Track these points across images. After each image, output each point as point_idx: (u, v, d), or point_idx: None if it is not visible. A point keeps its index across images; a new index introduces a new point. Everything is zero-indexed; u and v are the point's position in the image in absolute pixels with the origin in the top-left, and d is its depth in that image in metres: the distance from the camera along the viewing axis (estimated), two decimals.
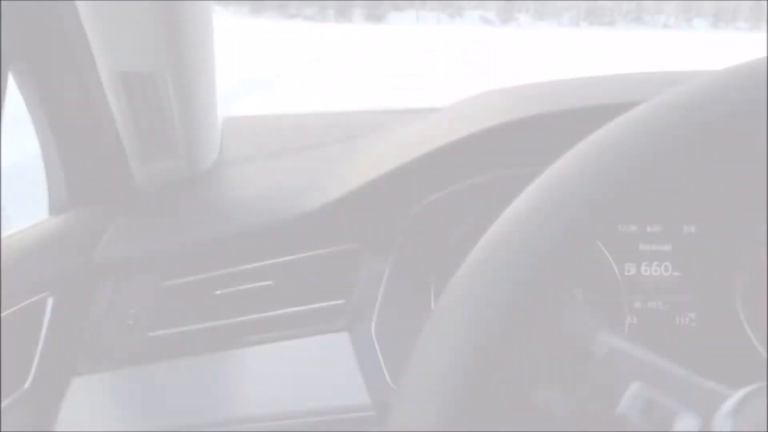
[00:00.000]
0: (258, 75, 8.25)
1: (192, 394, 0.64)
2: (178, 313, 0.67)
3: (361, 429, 0.65)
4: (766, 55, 0.31)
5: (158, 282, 0.68)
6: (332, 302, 0.67)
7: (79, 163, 0.74)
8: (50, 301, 0.65)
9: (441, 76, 8.99)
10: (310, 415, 0.64)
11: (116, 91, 0.66)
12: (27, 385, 0.62)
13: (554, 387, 0.33)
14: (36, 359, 0.64)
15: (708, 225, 0.68)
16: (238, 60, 8.56)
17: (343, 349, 0.66)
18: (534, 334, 0.30)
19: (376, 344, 0.65)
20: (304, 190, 0.70)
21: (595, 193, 0.29)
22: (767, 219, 0.67)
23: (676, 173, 0.30)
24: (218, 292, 0.67)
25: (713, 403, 0.30)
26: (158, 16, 0.60)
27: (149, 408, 0.64)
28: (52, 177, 0.75)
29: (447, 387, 0.28)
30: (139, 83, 0.66)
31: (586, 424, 0.33)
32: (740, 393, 0.30)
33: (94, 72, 0.66)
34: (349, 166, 0.71)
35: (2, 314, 0.59)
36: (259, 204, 0.71)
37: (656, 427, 0.31)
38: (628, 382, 0.32)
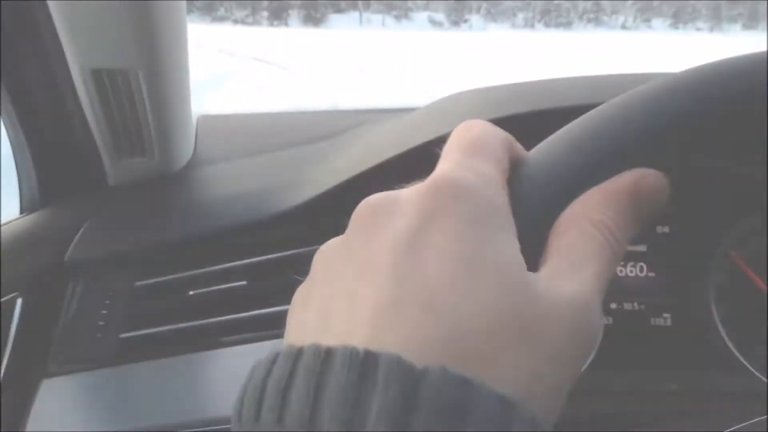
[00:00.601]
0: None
1: (165, 396, 0.63)
2: (151, 313, 0.66)
3: None
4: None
5: (131, 282, 0.67)
6: None
7: (50, 161, 0.73)
8: (20, 302, 0.64)
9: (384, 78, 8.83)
10: None
11: (87, 89, 0.65)
12: None
13: None
14: (5, 361, 0.63)
15: (681, 225, 0.68)
16: None
17: None
18: None
19: None
20: (279, 189, 0.69)
21: None
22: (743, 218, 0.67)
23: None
24: (192, 292, 0.66)
25: None
26: (130, 11, 0.59)
27: (121, 410, 0.63)
28: (23, 175, 0.73)
29: None
30: (111, 80, 0.65)
31: None
32: None
33: (65, 69, 0.65)
34: (324, 165, 0.71)
35: None
36: (233, 203, 0.70)
37: None
38: None
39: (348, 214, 0.75)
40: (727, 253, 0.67)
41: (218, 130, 0.84)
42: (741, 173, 0.66)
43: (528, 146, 0.36)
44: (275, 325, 0.66)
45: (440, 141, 0.61)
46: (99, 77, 0.64)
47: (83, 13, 0.59)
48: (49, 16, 0.60)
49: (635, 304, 0.68)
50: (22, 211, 0.75)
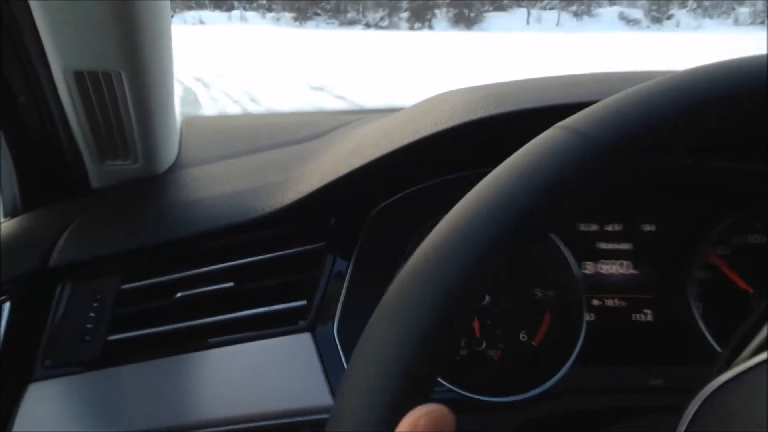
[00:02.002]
0: None
1: (153, 398, 0.63)
2: (138, 316, 0.66)
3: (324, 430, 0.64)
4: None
5: (117, 285, 0.67)
6: (294, 303, 0.67)
7: (33, 164, 0.73)
8: (6, 306, 0.64)
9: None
10: (272, 418, 0.63)
11: (70, 91, 0.65)
12: None
13: None
14: None
15: (666, 224, 0.69)
16: None
17: (306, 350, 0.65)
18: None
19: (338, 345, 0.65)
20: (265, 190, 0.69)
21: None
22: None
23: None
24: (179, 294, 0.66)
25: None
26: (112, 12, 0.58)
27: (109, 414, 0.62)
28: (6, 179, 0.73)
29: (384, 389, 0.29)
30: (93, 82, 0.64)
31: None
32: None
33: (47, 71, 0.64)
34: (309, 166, 0.71)
35: None
36: (219, 205, 0.70)
37: None
38: None
39: (333, 214, 0.75)
40: (709, 252, 0.68)
41: (202, 131, 0.84)
42: (725, 173, 0.67)
43: (514, 145, 0.37)
44: (263, 326, 0.66)
45: (425, 141, 0.62)
46: (81, 79, 0.64)
47: (65, 14, 0.58)
48: (30, 17, 0.60)
49: (617, 301, 0.69)
50: (5, 215, 0.74)
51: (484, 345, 0.69)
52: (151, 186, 0.75)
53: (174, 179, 0.76)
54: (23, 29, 0.62)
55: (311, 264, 0.68)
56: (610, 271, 0.69)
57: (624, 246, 0.69)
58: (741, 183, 0.67)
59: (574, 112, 0.34)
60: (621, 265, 0.69)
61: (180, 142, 0.81)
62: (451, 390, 0.65)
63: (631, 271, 0.69)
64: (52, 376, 0.63)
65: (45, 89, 0.67)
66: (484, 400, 0.65)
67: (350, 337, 0.66)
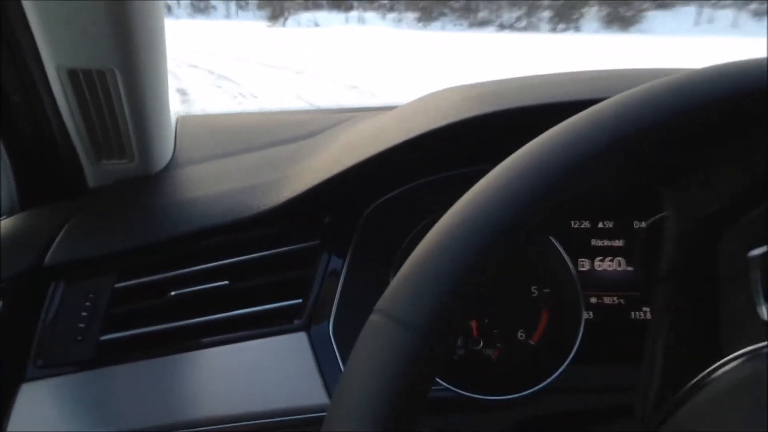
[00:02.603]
0: None
1: (146, 398, 0.63)
2: (132, 315, 0.65)
3: (320, 429, 0.64)
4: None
5: (111, 284, 0.66)
6: (289, 302, 0.67)
7: (29, 164, 0.73)
8: None
9: None
10: (267, 417, 0.63)
11: (64, 89, 0.65)
12: None
13: None
14: None
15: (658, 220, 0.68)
16: None
17: (301, 349, 0.65)
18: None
19: (333, 344, 0.65)
20: (260, 189, 0.69)
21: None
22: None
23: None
24: (173, 293, 0.66)
25: None
26: (105, 10, 0.58)
27: (102, 413, 0.62)
28: (3, 178, 0.73)
29: (382, 390, 0.28)
30: (88, 80, 0.64)
31: None
32: None
33: (41, 69, 0.64)
34: (303, 164, 0.71)
35: None
36: (214, 203, 0.70)
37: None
38: None
39: (328, 213, 0.75)
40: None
41: (198, 130, 0.84)
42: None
43: (508, 143, 0.36)
44: (257, 325, 0.66)
45: (419, 140, 0.62)
46: (75, 77, 0.64)
47: (58, 12, 0.58)
48: (23, 15, 0.60)
49: (615, 299, 0.69)
50: (1, 215, 0.74)
51: (482, 344, 0.68)
52: (146, 185, 0.75)
53: (169, 178, 0.76)
54: (16, 27, 0.62)
55: (306, 262, 0.68)
56: (606, 269, 0.69)
57: (617, 243, 0.69)
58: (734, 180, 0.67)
59: (568, 110, 0.33)
60: (616, 262, 0.69)
61: (175, 141, 0.81)
62: (449, 389, 0.64)
63: (626, 268, 0.69)
64: (44, 376, 0.63)
65: (39, 88, 0.67)
66: (482, 399, 0.64)
67: (345, 335, 0.65)
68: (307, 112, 0.92)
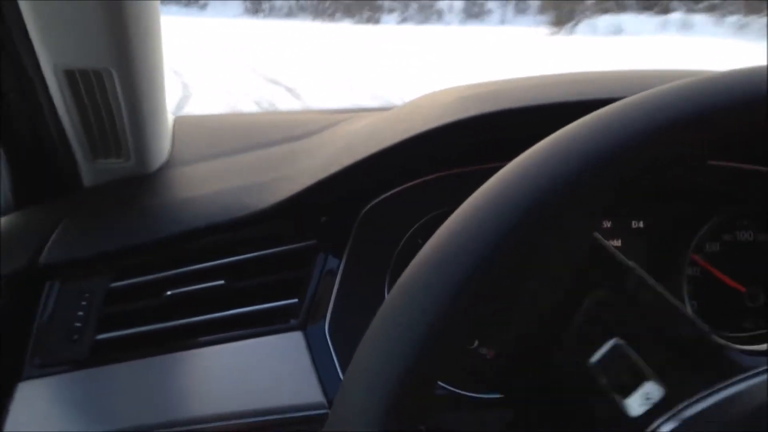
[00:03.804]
0: None
1: (142, 397, 0.63)
2: (128, 314, 0.65)
3: (316, 428, 0.64)
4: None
5: (106, 283, 0.66)
6: (285, 302, 0.67)
7: (25, 163, 0.73)
8: None
9: None
10: (263, 415, 0.63)
11: (61, 89, 0.65)
12: None
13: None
14: None
15: (655, 220, 0.69)
16: None
17: (298, 348, 0.65)
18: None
19: (330, 343, 0.65)
20: (256, 188, 0.69)
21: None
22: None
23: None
24: (169, 292, 0.66)
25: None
26: (101, 10, 0.58)
27: (98, 412, 0.62)
28: None
29: (386, 388, 0.28)
30: (85, 80, 0.64)
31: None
32: None
33: (37, 69, 0.64)
34: (300, 164, 0.71)
35: None
36: (211, 203, 0.70)
37: (619, 385, 0.32)
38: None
39: (325, 213, 0.75)
40: (698, 247, 0.68)
41: (194, 130, 0.84)
42: (712, 172, 0.67)
43: (504, 143, 0.37)
44: (254, 325, 0.66)
45: (415, 140, 0.62)
46: (72, 77, 0.64)
47: (54, 12, 0.58)
48: (19, 15, 0.60)
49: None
50: None
51: (477, 343, 0.69)
52: (143, 184, 0.75)
53: (166, 177, 0.76)
54: (12, 27, 0.62)
55: (302, 262, 0.68)
56: None
57: (613, 242, 0.69)
58: (728, 181, 0.67)
59: (565, 111, 0.34)
60: None
61: (172, 141, 0.81)
62: (444, 387, 0.64)
63: None
64: (41, 375, 0.63)
65: (36, 87, 0.66)
66: (477, 397, 0.65)
67: (342, 335, 0.65)
68: (303, 112, 0.92)
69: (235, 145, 0.79)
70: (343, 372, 0.64)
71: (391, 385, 0.28)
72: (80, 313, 0.65)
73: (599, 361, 0.37)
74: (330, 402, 0.63)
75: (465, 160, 0.66)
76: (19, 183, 0.73)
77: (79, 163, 0.73)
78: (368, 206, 0.68)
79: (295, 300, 0.67)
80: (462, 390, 0.64)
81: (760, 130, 0.29)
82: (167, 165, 0.78)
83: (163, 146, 0.77)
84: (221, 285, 0.66)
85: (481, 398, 0.65)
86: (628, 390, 0.35)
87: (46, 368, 0.63)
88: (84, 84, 0.65)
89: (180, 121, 0.83)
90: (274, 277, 0.67)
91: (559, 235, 0.28)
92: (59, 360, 0.63)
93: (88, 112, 0.68)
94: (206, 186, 0.72)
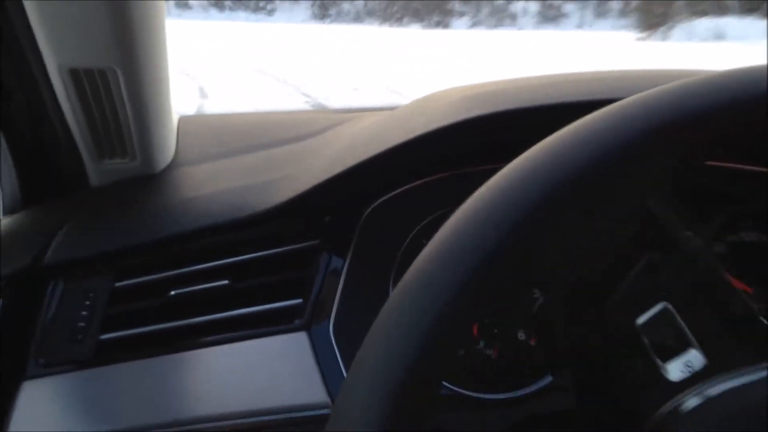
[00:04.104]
0: None
1: (146, 396, 0.63)
2: (132, 314, 0.66)
3: (320, 428, 0.64)
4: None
5: (111, 283, 0.66)
6: (289, 302, 0.67)
7: (31, 162, 0.73)
8: None
9: None
10: (268, 414, 0.63)
11: (66, 89, 0.65)
12: None
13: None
14: None
15: (652, 221, 0.68)
16: None
17: (302, 349, 0.65)
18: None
19: (334, 343, 0.65)
20: (261, 188, 0.69)
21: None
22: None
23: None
24: (173, 292, 0.66)
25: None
26: (106, 9, 0.58)
27: (102, 412, 0.62)
28: (5, 177, 0.73)
29: (388, 388, 0.28)
30: (89, 80, 0.64)
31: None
32: None
33: (42, 69, 0.64)
34: (305, 164, 0.71)
35: None
36: (215, 203, 0.70)
37: (663, 348, 0.33)
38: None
39: (329, 212, 0.75)
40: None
41: (199, 130, 0.84)
42: (714, 172, 0.67)
43: (508, 144, 0.36)
44: (257, 325, 0.66)
45: (419, 140, 0.62)
46: (77, 77, 0.64)
47: (59, 11, 0.58)
48: (24, 15, 0.60)
49: None
50: (4, 213, 0.75)
51: (482, 344, 0.68)
52: (148, 184, 0.75)
53: (171, 177, 0.76)
54: (17, 27, 0.62)
55: (306, 262, 0.68)
56: None
57: None
58: (729, 182, 0.67)
59: (570, 111, 0.33)
60: None
61: (177, 141, 0.81)
62: (449, 387, 0.64)
63: None
64: (45, 375, 0.63)
65: (41, 87, 0.67)
66: (481, 398, 0.64)
67: (346, 335, 0.65)
68: (307, 112, 0.92)
69: (240, 145, 0.79)
70: (348, 372, 0.64)
71: (392, 385, 0.28)
72: (84, 313, 0.65)
73: (646, 323, 0.37)
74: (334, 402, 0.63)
75: (469, 161, 0.66)
76: (25, 182, 0.73)
77: (85, 163, 0.73)
78: (372, 206, 0.68)
79: (299, 300, 0.67)
80: (466, 390, 0.64)
81: (759, 129, 0.29)
82: (172, 165, 0.78)
83: (168, 146, 0.77)
84: (225, 285, 0.66)
85: (485, 398, 0.64)
86: (671, 355, 0.35)
87: (49, 368, 0.63)
88: (89, 83, 0.65)
89: (185, 121, 0.84)
90: (278, 277, 0.67)
91: (557, 235, 0.28)
92: (63, 360, 0.64)
93: (93, 111, 0.68)
94: (211, 186, 0.72)
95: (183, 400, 0.63)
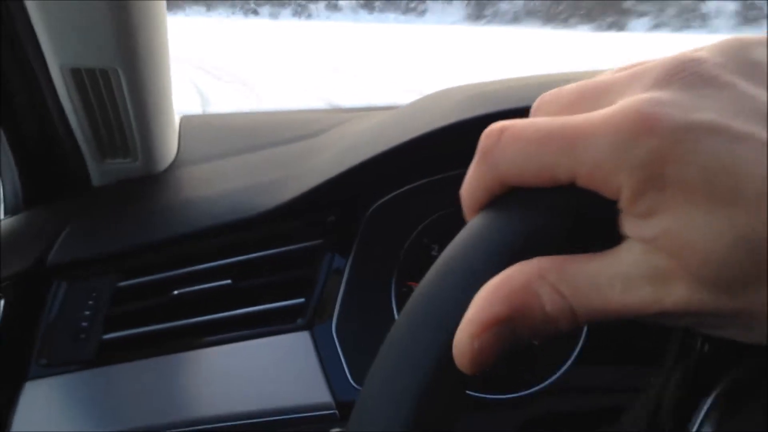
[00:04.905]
0: None
1: (149, 396, 0.63)
2: (134, 314, 0.65)
3: (323, 427, 0.64)
4: None
5: (114, 283, 0.66)
6: (292, 301, 0.66)
7: (33, 163, 0.73)
8: (2, 304, 0.64)
9: None
10: (270, 415, 0.63)
11: (67, 88, 0.65)
12: None
13: None
14: None
15: None
16: None
17: (304, 348, 0.65)
18: None
19: (336, 343, 0.65)
20: (263, 188, 0.69)
21: None
22: None
23: None
24: (176, 292, 0.66)
25: None
26: (108, 9, 0.58)
27: (105, 412, 0.62)
28: (7, 178, 0.73)
29: (410, 390, 0.27)
30: (91, 80, 0.64)
31: None
32: None
33: (44, 68, 0.64)
34: (307, 164, 0.71)
35: None
36: (218, 202, 0.70)
37: None
38: None
39: (331, 212, 0.74)
40: None
41: (201, 129, 0.83)
42: None
43: None
44: (260, 324, 0.66)
45: (421, 139, 0.61)
46: (78, 77, 0.64)
47: (61, 11, 0.58)
48: (26, 15, 0.60)
49: None
50: (6, 213, 0.75)
51: None
52: (150, 184, 0.75)
53: (173, 177, 0.76)
54: (19, 27, 0.62)
55: (309, 261, 0.68)
56: None
57: None
58: None
59: None
60: None
61: (179, 141, 0.81)
62: None
63: None
64: (48, 375, 0.63)
65: (43, 87, 0.67)
66: (484, 398, 0.64)
67: (348, 334, 0.65)
68: (310, 111, 0.92)
69: (242, 145, 0.79)
70: (351, 371, 0.64)
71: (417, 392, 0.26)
72: (87, 312, 0.65)
73: None
74: (337, 402, 0.63)
75: (471, 160, 0.65)
76: (28, 182, 0.73)
77: (87, 163, 0.73)
78: (375, 205, 0.68)
79: (302, 299, 0.66)
80: (469, 391, 0.64)
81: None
82: (174, 165, 0.78)
83: (170, 146, 0.77)
84: (228, 284, 0.66)
85: (488, 399, 0.64)
86: None
87: (52, 368, 0.63)
88: (91, 83, 0.65)
89: (186, 121, 0.83)
90: (280, 277, 0.67)
91: None
92: (66, 360, 0.64)
93: (95, 111, 0.68)
94: (213, 186, 0.72)
95: (186, 400, 0.63)
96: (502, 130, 0.22)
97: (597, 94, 0.22)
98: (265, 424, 0.62)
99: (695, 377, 0.32)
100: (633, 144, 0.18)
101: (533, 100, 0.56)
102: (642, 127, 0.18)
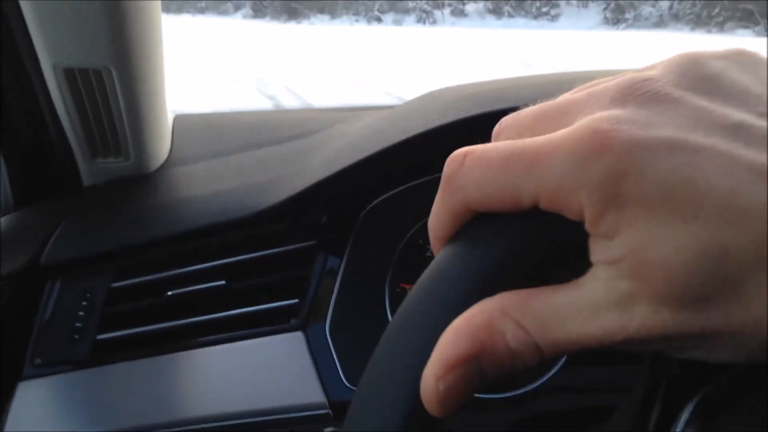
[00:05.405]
0: None
1: (143, 397, 0.63)
2: (128, 314, 0.65)
3: (317, 427, 0.64)
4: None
5: (108, 283, 0.66)
6: (286, 302, 0.67)
7: (24, 162, 0.72)
8: None
9: None
10: (264, 415, 0.63)
11: (60, 88, 0.65)
12: None
13: None
14: None
15: None
16: None
17: (298, 348, 0.65)
18: None
19: (330, 343, 0.65)
20: (258, 188, 0.69)
21: None
22: None
23: None
24: (170, 292, 0.66)
25: None
26: (101, 8, 0.58)
27: (99, 412, 0.62)
28: None
29: (406, 389, 0.28)
30: (84, 79, 0.64)
31: None
32: None
33: (37, 68, 0.64)
34: (301, 164, 0.71)
35: None
36: (211, 202, 0.69)
37: None
38: None
39: (325, 212, 0.75)
40: None
41: (194, 129, 0.83)
42: None
43: None
44: (254, 325, 0.66)
45: (416, 139, 0.61)
46: (71, 76, 0.63)
47: (54, 11, 0.58)
48: (19, 14, 0.59)
49: None
50: None
51: None
52: (142, 184, 0.74)
53: (166, 177, 0.75)
54: (12, 26, 0.61)
55: (303, 262, 0.68)
56: None
57: None
58: None
59: None
60: None
61: (172, 140, 0.80)
62: None
63: None
64: (42, 375, 0.63)
65: (35, 86, 0.66)
66: (480, 397, 0.64)
67: (342, 335, 0.65)
68: (304, 111, 0.92)
69: (235, 144, 0.79)
70: (344, 372, 0.64)
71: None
72: (81, 312, 0.65)
73: None
74: (331, 402, 0.63)
75: None
76: (19, 182, 0.73)
77: (79, 162, 0.73)
78: (369, 206, 0.68)
79: (296, 300, 0.67)
80: None
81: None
82: (167, 164, 0.77)
83: (163, 145, 0.77)
84: (222, 285, 0.66)
85: (484, 398, 0.65)
86: None
87: (46, 368, 0.63)
88: (83, 83, 0.64)
89: (180, 120, 0.83)
90: (274, 277, 0.67)
91: None
92: (60, 360, 0.63)
93: (88, 110, 0.67)
94: (206, 186, 0.72)
95: (179, 400, 0.63)
96: (465, 155, 0.22)
97: (556, 114, 0.22)
98: (259, 423, 0.62)
99: (671, 393, 0.32)
100: (591, 162, 0.18)
101: (528, 100, 0.56)
102: (599, 145, 0.18)
